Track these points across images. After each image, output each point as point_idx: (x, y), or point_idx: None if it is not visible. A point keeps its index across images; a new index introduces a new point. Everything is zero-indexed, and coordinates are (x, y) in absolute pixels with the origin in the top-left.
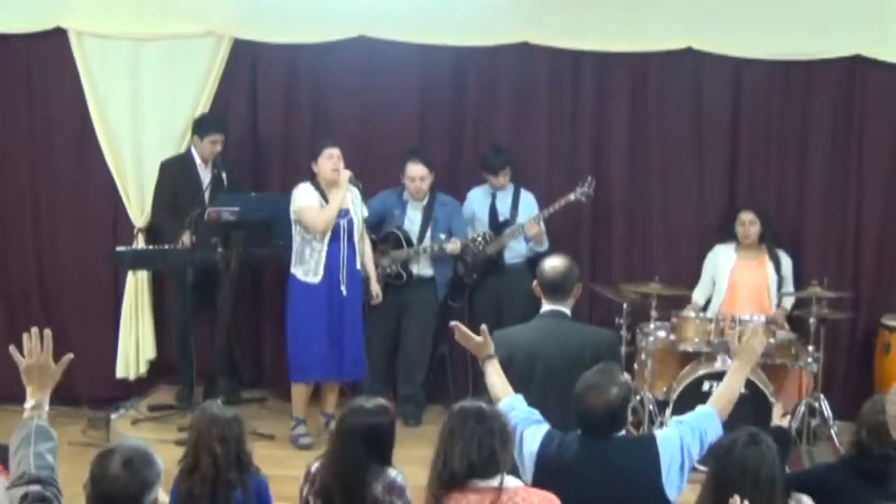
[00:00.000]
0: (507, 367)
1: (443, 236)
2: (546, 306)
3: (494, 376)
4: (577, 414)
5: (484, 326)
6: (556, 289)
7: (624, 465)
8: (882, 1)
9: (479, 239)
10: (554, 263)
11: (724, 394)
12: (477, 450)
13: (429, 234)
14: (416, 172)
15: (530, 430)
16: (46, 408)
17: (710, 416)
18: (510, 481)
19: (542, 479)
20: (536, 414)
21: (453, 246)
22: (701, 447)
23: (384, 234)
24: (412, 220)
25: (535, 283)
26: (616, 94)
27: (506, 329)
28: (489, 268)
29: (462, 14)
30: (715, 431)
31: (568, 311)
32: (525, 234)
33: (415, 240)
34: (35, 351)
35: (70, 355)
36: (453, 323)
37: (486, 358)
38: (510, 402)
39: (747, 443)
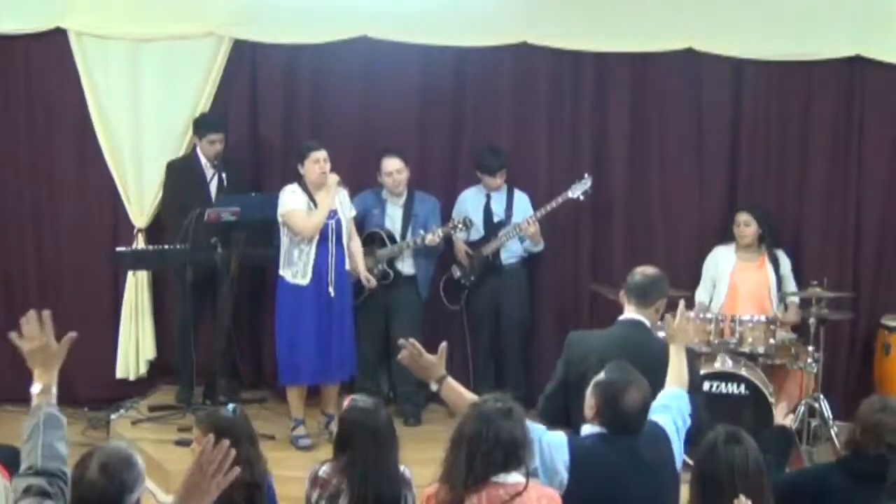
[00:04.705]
0: (580, 370)
1: (422, 232)
2: (626, 314)
3: (456, 394)
4: (615, 412)
5: (444, 344)
6: (639, 294)
7: (652, 460)
8: (882, 1)
9: (459, 224)
10: (646, 270)
11: (676, 374)
12: (503, 447)
13: (410, 230)
14: (392, 166)
15: (547, 436)
16: (55, 391)
17: (682, 395)
18: (515, 477)
19: (579, 481)
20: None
21: (432, 237)
22: (684, 425)
23: (366, 234)
24: (393, 218)
25: (621, 292)
26: (616, 94)
27: (581, 332)
28: (486, 269)
29: (462, 14)
30: (688, 407)
31: (647, 322)
32: (522, 234)
33: (398, 237)
34: (34, 333)
35: (73, 333)
36: (402, 341)
37: (440, 378)
38: None
39: (728, 441)
